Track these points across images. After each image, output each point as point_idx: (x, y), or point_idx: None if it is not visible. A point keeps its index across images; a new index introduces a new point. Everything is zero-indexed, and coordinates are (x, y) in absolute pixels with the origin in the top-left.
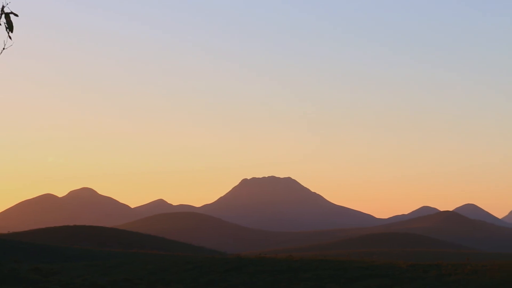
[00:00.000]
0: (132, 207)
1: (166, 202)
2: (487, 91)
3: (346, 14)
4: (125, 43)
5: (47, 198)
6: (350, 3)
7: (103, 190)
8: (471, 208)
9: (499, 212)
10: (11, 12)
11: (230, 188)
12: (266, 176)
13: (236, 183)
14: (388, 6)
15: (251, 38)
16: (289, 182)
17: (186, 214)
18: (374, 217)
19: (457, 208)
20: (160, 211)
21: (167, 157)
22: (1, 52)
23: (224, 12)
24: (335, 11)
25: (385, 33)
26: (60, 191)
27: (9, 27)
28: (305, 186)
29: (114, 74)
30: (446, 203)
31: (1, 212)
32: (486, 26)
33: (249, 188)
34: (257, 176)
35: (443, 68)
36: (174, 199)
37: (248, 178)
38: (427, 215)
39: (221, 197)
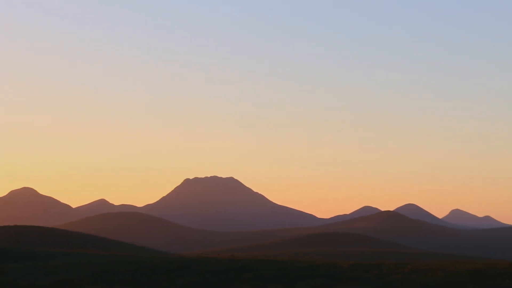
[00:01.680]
0: (74, 206)
1: (108, 202)
2: (427, 91)
3: (281, 12)
4: (60, 39)
5: None
6: (287, 0)
7: (44, 189)
8: (411, 208)
9: (439, 212)
10: None
11: (172, 188)
12: (209, 176)
13: (179, 183)
14: (325, 5)
15: (189, 36)
16: (232, 182)
17: (128, 214)
18: (316, 217)
19: (398, 208)
20: (101, 211)
21: (109, 157)
22: None
23: (162, 10)
24: (270, 8)
25: (321, 32)
26: (0, 191)
27: None
28: (247, 186)
29: (54, 71)
30: (387, 203)
31: None
32: (416, 27)
33: (192, 188)
34: (199, 176)
35: (382, 67)
36: (116, 199)
37: (191, 178)
38: (368, 215)
39: (163, 197)
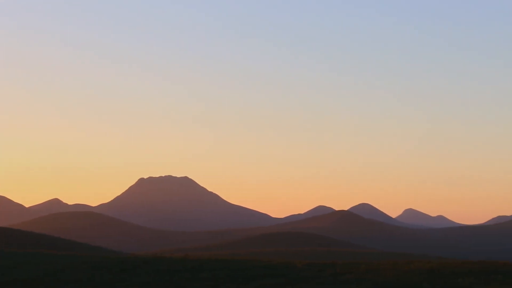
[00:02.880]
0: (27, 206)
1: (62, 201)
2: (381, 91)
3: (237, 13)
4: None
5: None
6: (241, 2)
7: None
8: (365, 207)
9: (393, 211)
10: None
11: (126, 187)
12: (163, 175)
13: (133, 182)
14: (276, 6)
15: (141, 34)
16: (186, 182)
17: (82, 213)
18: (271, 217)
19: (352, 208)
20: (55, 210)
21: (62, 156)
22: None
23: (110, 8)
24: (225, 9)
25: (274, 31)
26: None
27: None
28: (201, 185)
29: (3, 71)
30: (341, 202)
31: None
32: (364, 26)
33: (146, 187)
34: (153, 176)
35: (334, 68)
36: (70, 198)
37: (145, 177)
38: (322, 215)
39: (117, 197)
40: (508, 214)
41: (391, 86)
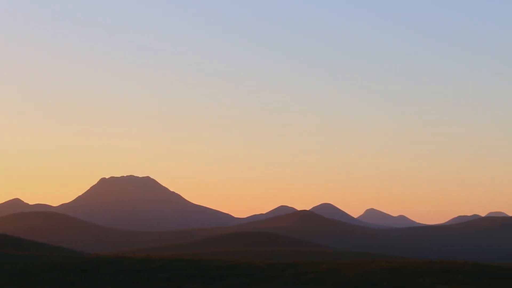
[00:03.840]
0: None
1: (22, 201)
2: (345, 90)
3: (195, 11)
4: None
5: None
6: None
7: None
8: (327, 207)
9: (354, 211)
10: None
11: (88, 187)
12: (125, 175)
13: (94, 182)
14: (240, 4)
15: (103, 34)
16: (148, 181)
17: (43, 213)
18: (233, 216)
19: (313, 208)
20: (16, 210)
21: (23, 155)
22: None
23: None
24: (182, 7)
25: (232, 31)
26: None
27: None
28: (164, 185)
29: None
30: (303, 202)
31: None
32: (329, 27)
33: (108, 187)
34: (115, 175)
35: (297, 67)
36: (31, 198)
37: (107, 177)
38: (284, 214)
39: (79, 196)
40: (468, 214)
41: (353, 86)
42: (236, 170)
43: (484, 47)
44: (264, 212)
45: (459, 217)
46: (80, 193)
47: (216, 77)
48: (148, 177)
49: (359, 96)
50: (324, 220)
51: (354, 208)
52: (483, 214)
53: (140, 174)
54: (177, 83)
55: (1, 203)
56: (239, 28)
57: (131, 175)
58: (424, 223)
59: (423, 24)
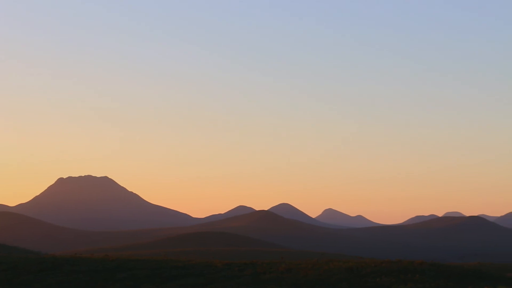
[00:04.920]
0: None
1: None
2: (302, 91)
3: (139, 8)
4: None
5: None
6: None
7: None
8: (286, 207)
9: (312, 211)
10: None
11: (45, 187)
12: (83, 175)
13: (52, 182)
14: (193, 3)
15: (45, 30)
16: (106, 181)
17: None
18: (191, 217)
19: (272, 208)
20: None
21: None
22: None
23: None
24: (127, 3)
25: (188, 30)
26: None
27: None
28: (122, 185)
29: None
30: (262, 202)
31: None
32: (280, 27)
33: (65, 187)
34: (73, 175)
35: (253, 68)
36: None
37: (64, 177)
38: (243, 214)
39: (36, 196)
40: (425, 214)
41: (312, 87)
42: (194, 170)
43: (433, 46)
44: (222, 212)
45: (417, 217)
46: (37, 193)
47: (176, 77)
48: (106, 177)
49: (318, 97)
50: (282, 220)
51: (312, 208)
52: (440, 214)
53: (98, 174)
54: (137, 84)
55: None
56: (197, 27)
57: (89, 175)
58: (381, 223)
59: (379, 24)
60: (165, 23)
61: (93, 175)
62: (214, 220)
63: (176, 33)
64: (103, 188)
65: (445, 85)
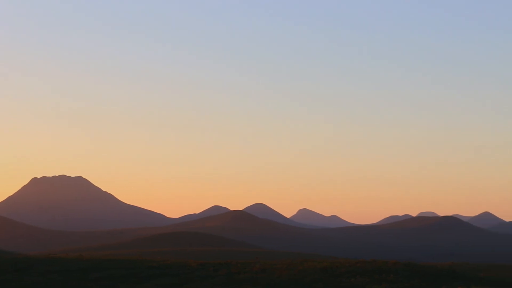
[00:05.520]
0: None
1: None
2: (277, 92)
3: (114, 6)
4: None
5: None
6: None
7: None
8: (260, 207)
9: (287, 211)
10: None
11: (19, 187)
12: (57, 175)
13: (26, 182)
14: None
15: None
16: (80, 181)
17: None
18: (166, 216)
19: (246, 208)
20: None
21: None
22: None
23: None
24: (99, 3)
25: (161, 29)
26: None
27: None
28: (96, 185)
29: None
30: (236, 202)
31: None
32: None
33: (39, 187)
34: (47, 175)
35: (230, 68)
36: None
37: (38, 177)
38: (217, 214)
39: (10, 196)
40: (399, 214)
41: (286, 87)
42: (169, 170)
43: (409, 47)
44: (197, 212)
45: (391, 217)
46: (11, 193)
47: (151, 76)
48: (80, 177)
49: (291, 96)
50: (257, 220)
51: (287, 208)
52: (414, 214)
53: (72, 174)
54: (112, 83)
55: None
56: (172, 25)
57: (63, 175)
58: (356, 223)
59: (351, 24)
60: (137, 21)
61: (67, 175)
62: (188, 220)
63: (148, 30)
64: (77, 188)
65: (419, 85)
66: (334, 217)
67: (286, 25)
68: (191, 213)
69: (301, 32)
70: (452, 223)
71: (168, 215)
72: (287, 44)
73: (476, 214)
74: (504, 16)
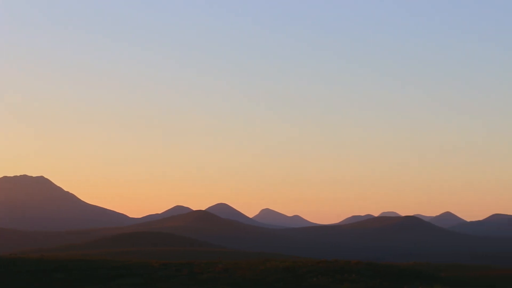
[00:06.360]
0: None
1: None
2: (233, 91)
3: (65, 5)
4: None
5: None
6: None
7: None
8: (223, 207)
9: (250, 211)
10: None
11: None
12: (18, 174)
13: None
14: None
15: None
16: (42, 181)
17: None
18: (128, 216)
19: (209, 208)
20: None
21: None
22: None
23: None
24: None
25: (118, 28)
26: None
27: None
28: (58, 185)
29: None
30: (199, 202)
31: None
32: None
33: (0, 187)
34: (8, 175)
35: (181, 68)
36: None
37: None
38: (180, 214)
39: None
40: (361, 214)
41: (249, 87)
42: (132, 170)
43: (364, 47)
44: (159, 212)
45: (353, 217)
46: None
47: (110, 75)
48: (42, 177)
49: (254, 96)
50: (219, 220)
51: (249, 208)
52: (376, 214)
53: (33, 173)
54: (72, 82)
55: None
56: (114, 22)
57: (24, 175)
58: (318, 223)
59: (314, 23)
60: (84, 19)
61: (29, 174)
62: (151, 220)
63: (97, 29)
64: (39, 188)
65: (382, 86)
66: (296, 217)
67: (245, 23)
68: (154, 213)
69: (260, 31)
70: (414, 223)
71: (131, 215)
72: (248, 43)
73: (437, 214)
74: (468, 17)
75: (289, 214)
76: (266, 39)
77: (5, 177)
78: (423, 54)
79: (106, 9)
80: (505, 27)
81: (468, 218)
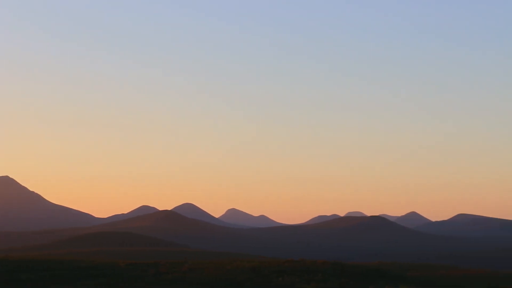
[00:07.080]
0: None
1: None
2: (204, 91)
3: (57, 8)
4: None
5: None
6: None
7: None
8: (189, 207)
9: (216, 211)
10: None
11: None
12: None
13: None
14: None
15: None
16: (6, 181)
17: None
18: (94, 216)
19: (175, 207)
20: None
21: None
22: None
23: None
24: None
25: (85, 28)
26: None
27: None
28: (23, 184)
29: None
30: (165, 202)
31: None
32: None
33: None
34: None
35: (158, 67)
36: None
37: None
38: (146, 214)
39: None
40: (327, 214)
41: (212, 86)
42: (97, 169)
43: (335, 47)
44: (125, 212)
45: (319, 216)
46: None
47: (75, 75)
48: (6, 176)
49: (218, 95)
50: (185, 220)
51: (215, 208)
52: (342, 214)
53: None
54: (36, 80)
55: None
56: (77, 20)
57: None
58: (284, 222)
59: (286, 23)
60: (34, 16)
61: None
62: (116, 220)
63: (48, 27)
64: (3, 187)
65: (347, 85)
66: (262, 217)
67: (213, 22)
68: (119, 213)
69: (229, 30)
70: (379, 222)
71: (96, 215)
72: (215, 41)
73: (403, 214)
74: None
75: (255, 214)
76: (233, 38)
77: None
78: (390, 53)
79: (97, 10)
80: (505, 27)
81: (433, 218)
